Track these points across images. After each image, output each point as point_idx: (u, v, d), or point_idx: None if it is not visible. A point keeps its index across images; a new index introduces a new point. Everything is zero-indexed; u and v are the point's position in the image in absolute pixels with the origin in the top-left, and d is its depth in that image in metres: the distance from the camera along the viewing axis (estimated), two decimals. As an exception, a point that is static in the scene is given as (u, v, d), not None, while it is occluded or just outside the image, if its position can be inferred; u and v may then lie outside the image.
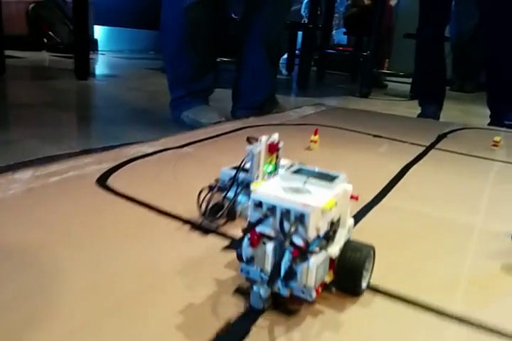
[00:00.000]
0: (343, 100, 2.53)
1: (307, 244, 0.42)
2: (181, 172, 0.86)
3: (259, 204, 0.44)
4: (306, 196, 0.43)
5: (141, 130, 1.40)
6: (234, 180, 0.69)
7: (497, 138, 1.28)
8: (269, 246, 0.44)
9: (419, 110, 1.96)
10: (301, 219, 0.41)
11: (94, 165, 0.86)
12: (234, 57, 1.67)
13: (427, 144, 1.26)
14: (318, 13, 3.04)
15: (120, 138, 1.28)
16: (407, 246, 0.63)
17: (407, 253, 0.61)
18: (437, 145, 1.26)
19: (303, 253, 0.42)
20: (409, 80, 3.04)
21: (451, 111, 2.22)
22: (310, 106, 1.77)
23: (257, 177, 0.65)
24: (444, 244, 0.65)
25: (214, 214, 0.65)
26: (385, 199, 0.80)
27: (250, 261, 0.45)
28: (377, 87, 3.11)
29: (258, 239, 0.44)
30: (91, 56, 3.84)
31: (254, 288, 0.44)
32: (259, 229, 0.44)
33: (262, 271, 0.45)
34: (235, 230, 0.63)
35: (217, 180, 0.71)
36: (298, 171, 0.49)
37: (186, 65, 1.46)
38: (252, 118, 1.42)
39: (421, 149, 1.20)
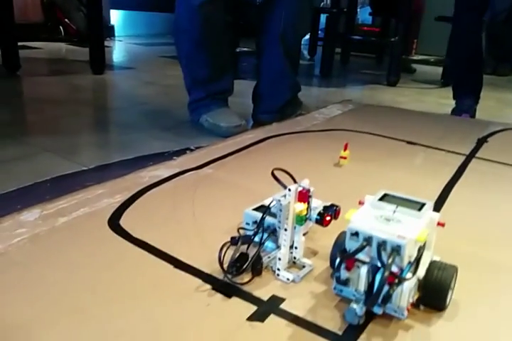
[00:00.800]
0: (370, 90, 2.41)
1: (401, 270, 0.47)
2: (201, 204, 0.78)
3: (355, 234, 0.49)
4: (399, 226, 0.48)
5: (158, 137, 1.33)
6: (259, 226, 0.61)
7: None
8: (363, 270, 0.49)
9: (453, 102, 1.83)
10: (397, 250, 0.46)
11: (107, 197, 0.79)
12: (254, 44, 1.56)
13: (467, 152, 1.16)
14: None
15: (135, 149, 1.22)
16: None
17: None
18: (478, 154, 1.16)
19: (399, 280, 0.47)
20: (440, 64, 2.88)
21: (486, 101, 2.08)
22: (336, 105, 1.66)
23: (286, 229, 0.58)
24: None
25: (238, 269, 0.58)
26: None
27: (346, 282, 0.51)
28: (405, 71, 2.96)
29: (352, 264, 0.50)
30: (107, 43, 3.78)
31: (351, 306, 0.49)
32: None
33: (356, 290, 0.50)
34: (261, 290, 0.56)
35: (240, 229, 0.64)
36: (384, 197, 0.54)
37: (203, 67, 1.38)
38: (274, 125, 1.34)
39: (460, 159, 1.11)
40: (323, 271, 0.61)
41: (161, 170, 0.93)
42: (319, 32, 3.71)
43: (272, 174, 0.64)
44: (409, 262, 0.48)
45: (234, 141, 1.16)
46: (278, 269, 0.59)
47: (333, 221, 0.62)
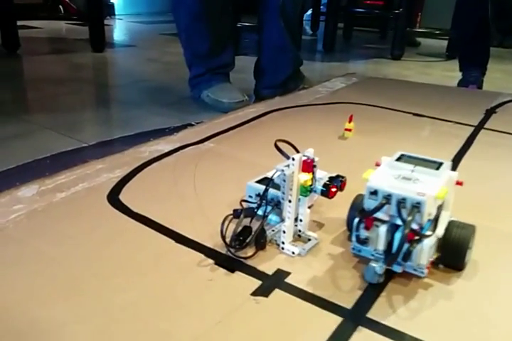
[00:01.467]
0: (374, 64, 2.35)
1: (421, 228, 0.47)
2: (202, 179, 0.76)
3: (374, 193, 0.49)
4: (419, 184, 0.48)
5: (159, 113, 1.30)
6: (262, 198, 0.59)
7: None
8: (382, 229, 0.49)
9: (459, 74, 1.79)
10: (417, 206, 0.46)
11: (106, 172, 0.77)
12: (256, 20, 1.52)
13: (475, 124, 1.13)
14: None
15: (136, 125, 1.19)
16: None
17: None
18: (486, 125, 1.13)
19: (419, 237, 0.47)
20: (445, 37, 2.81)
21: (492, 73, 2.03)
22: (340, 78, 1.63)
23: (290, 200, 0.56)
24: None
25: (240, 243, 0.56)
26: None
27: (365, 241, 0.50)
28: (410, 45, 2.90)
29: (372, 223, 0.50)
30: (108, 22, 3.71)
31: (371, 264, 0.50)
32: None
33: (375, 250, 0.51)
34: (265, 264, 0.54)
35: (243, 201, 0.62)
36: (401, 158, 0.55)
37: (203, 40, 1.34)
38: (277, 99, 1.31)
39: (469, 130, 1.08)
40: (329, 244, 0.59)
41: (162, 145, 0.90)
42: (321, 7, 3.62)
43: (275, 145, 0.62)
44: (429, 220, 0.48)
45: (236, 115, 1.13)
46: (283, 242, 0.57)
47: (339, 193, 0.60)
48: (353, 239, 0.52)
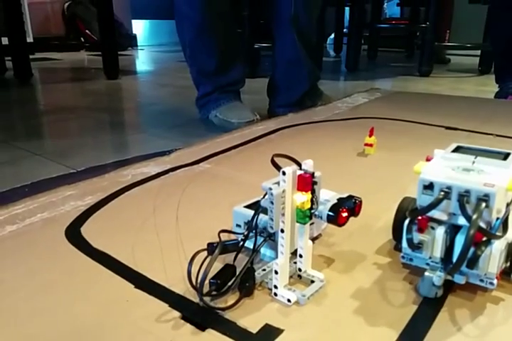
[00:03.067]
0: (401, 81, 2.21)
1: (490, 228, 0.39)
2: (188, 207, 0.63)
3: (428, 186, 0.40)
4: (484, 175, 0.39)
5: (163, 137, 1.19)
6: (251, 227, 0.45)
7: None
8: (440, 232, 0.40)
9: (495, 88, 1.63)
10: (485, 200, 0.37)
11: (74, 200, 0.64)
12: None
13: (520, 135, 0.97)
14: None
15: (135, 149, 1.08)
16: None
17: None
18: (533, 137, 0.96)
19: (488, 238, 0.38)
20: (477, 52, 2.65)
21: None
22: (362, 93, 1.49)
23: (283, 230, 0.41)
24: None
25: (219, 289, 0.41)
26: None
27: (419, 246, 0.41)
28: (439, 62, 2.75)
29: (426, 224, 0.41)
30: (129, 52, 3.71)
31: (427, 274, 0.41)
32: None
33: (430, 257, 0.42)
34: (249, 317, 0.39)
35: (224, 232, 0.47)
36: (458, 150, 0.47)
37: (209, 56, 1.23)
38: (290, 115, 1.17)
39: (511, 143, 0.91)
40: (338, 288, 0.44)
41: (150, 167, 0.78)
42: (344, 30, 3.53)
43: (272, 161, 0.48)
44: (497, 218, 0.39)
45: (241, 133, 1.00)
46: (275, 286, 0.42)
47: (352, 219, 0.46)
48: (404, 245, 0.42)
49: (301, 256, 0.45)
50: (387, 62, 3.09)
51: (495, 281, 0.40)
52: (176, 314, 0.40)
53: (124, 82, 2.20)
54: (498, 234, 0.39)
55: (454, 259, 0.40)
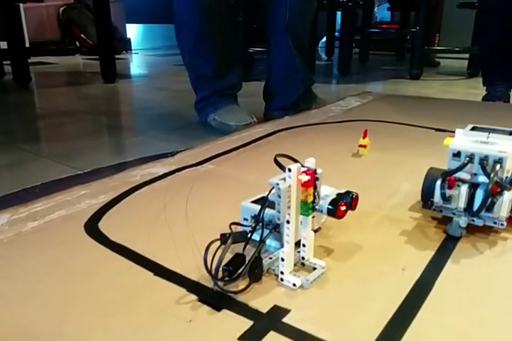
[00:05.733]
0: (392, 84, 2.27)
1: (502, 182, 0.53)
2: (196, 203, 0.67)
3: (456, 154, 0.55)
4: (497, 146, 0.53)
5: (162, 139, 1.23)
6: (258, 220, 0.50)
7: None
8: (464, 188, 0.55)
9: (483, 91, 1.69)
10: (499, 162, 0.52)
11: (89, 198, 0.69)
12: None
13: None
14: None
15: (137, 152, 1.12)
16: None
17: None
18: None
19: (501, 189, 0.53)
20: (465, 56, 2.72)
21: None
22: (355, 97, 1.54)
23: (288, 221, 0.46)
24: None
25: (231, 275, 0.46)
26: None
27: (449, 199, 0.56)
28: (429, 65, 2.81)
29: (454, 182, 0.55)
30: (124, 56, 3.75)
31: (455, 219, 0.56)
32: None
33: (456, 208, 0.56)
34: (259, 299, 0.44)
35: (233, 224, 0.52)
36: (474, 129, 0.59)
37: (207, 61, 1.28)
38: (286, 118, 1.22)
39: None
40: (339, 274, 0.49)
41: (156, 168, 0.82)
42: (336, 34, 3.59)
43: (275, 160, 0.53)
44: (507, 176, 0.53)
45: (240, 135, 1.04)
46: (281, 273, 0.47)
47: (350, 213, 0.50)
48: (436, 199, 0.56)
49: (304, 245, 0.49)
50: (378, 66, 3.15)
51: (505, 223, 0.54)
52: (193, 297, 0.44)
53: (121, 86, 2.24)
54: (508, 186, 0.52)
55: (475, 208, 0.54)
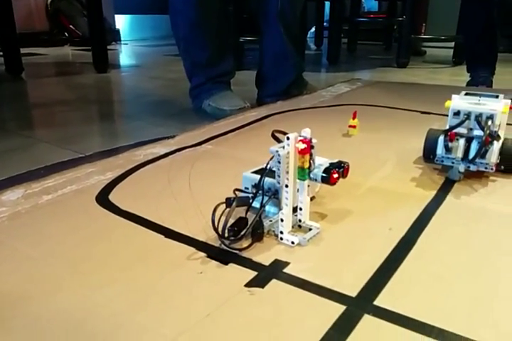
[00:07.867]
0: (380, 72, 2.32)
1: (493, 134, 0.66)
2: (198, 178, 0.72)
3: (456, 113, 0.69)
4: (488, 106, 0.67)
5: (160, 124, 1.27)
6: (259, 187, 0.55)
7: None
8: (462, 141, 0.68)
9: (467, 77, 1.75)
10: (491, 118, 0.66)
11: (97, 175, 0.73)
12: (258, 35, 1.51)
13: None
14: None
15: (136, 136, 1.16)
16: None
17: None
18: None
19: (492, 140, 0.66)
20: (451, 44, 2.78)
21: (501, 75, 1.98)
22: (344, 83, 1.59)
23: (287, 185, 0.51)
24: None
25: (235, 234, 0.51)
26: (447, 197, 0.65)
27: (450, 149, 0.69)
28: (415, 54, 2.87)
29: (454, 136, 0.68)
30: (113, 47, 3.76)
31: (455, 166, 0.69)
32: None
33: (454, 158, 0.69)
34: (262, 255, 0.49)
35: (237, 190, 0.57)
36: (467, 94, 0.71)
37: (201, 49, 1.32)
38: (279, 103, 1.27)
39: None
40: (332, 234, 0.54)
41: (158, 149, 0.87)
42: (324, 24, 3.63)
43: (272, 135, 0.58)
44: (495, 131, 0.67)
45: (236, 119, 1.09)
46: (281, 232, 0.52)
47: (341, 183, 0.55)
48: (439, 151, 0.70)
49: (300, 209, 0.55)
50: (366, 55, 3.20)
51: (494, 168, 0.67)
52: (202, 254, 0.49)
53: (114, 76, 2.27)
54: (497, 137, 0.67)
55: (471, 156, 0.67)
